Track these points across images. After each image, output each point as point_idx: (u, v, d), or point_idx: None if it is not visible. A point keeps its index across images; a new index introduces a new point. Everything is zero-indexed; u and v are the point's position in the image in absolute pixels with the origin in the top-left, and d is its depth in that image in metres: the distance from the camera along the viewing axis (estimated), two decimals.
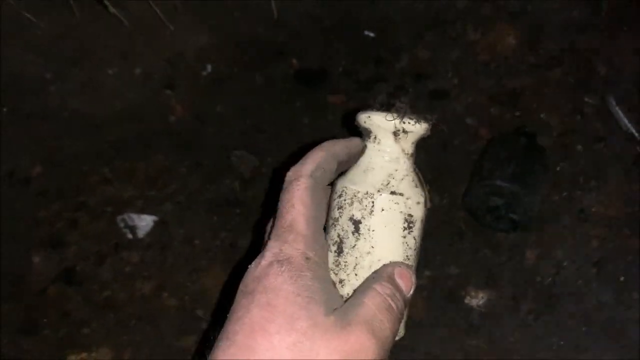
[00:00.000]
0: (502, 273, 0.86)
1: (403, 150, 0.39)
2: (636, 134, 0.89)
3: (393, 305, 0.35)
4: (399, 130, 0.38)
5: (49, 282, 0.90)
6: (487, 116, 0.98)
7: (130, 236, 0.93)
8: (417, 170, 0.40)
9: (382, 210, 0.37)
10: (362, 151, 0.40)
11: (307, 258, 0.33)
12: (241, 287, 0.33)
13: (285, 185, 0.36)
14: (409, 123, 0.38)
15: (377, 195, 0.37)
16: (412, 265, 0.39)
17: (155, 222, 0.94)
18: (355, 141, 0.39)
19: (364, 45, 1.06)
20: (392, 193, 0.37)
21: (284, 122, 1.01)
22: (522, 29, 1.02)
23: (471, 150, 0.95)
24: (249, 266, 0.35)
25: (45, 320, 0.87)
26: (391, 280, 0.36)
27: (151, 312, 0.87)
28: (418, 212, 0.39)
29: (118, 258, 0.91)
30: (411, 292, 0.38)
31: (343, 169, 0.39)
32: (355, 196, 0.38)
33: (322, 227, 0.36)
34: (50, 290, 0.89)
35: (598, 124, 0.94)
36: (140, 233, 0.93)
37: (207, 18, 1.06)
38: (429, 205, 0.40)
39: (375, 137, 0.39)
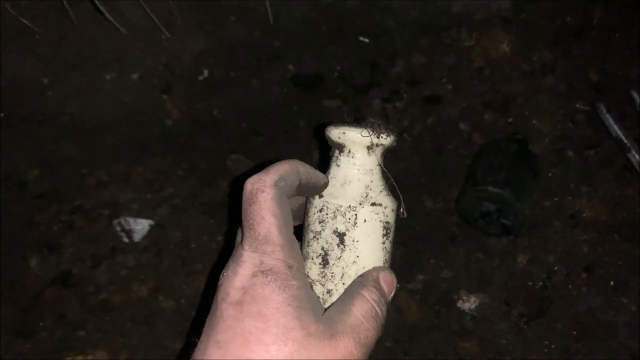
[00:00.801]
0: (494, 277, 0.87)
1: (375, 162, 0.41)
2: (626, 141, 0.90)
3: (379, 311, 0.36)
4: (373, 145, 0.40)
5: (45, 285, 0.90)
6: (480, 122, 0.99)
7: (126, 240, 0.94)
8: (390, 177, 0.42)
9: (365, 221, 0.39)
10: (323, 186, 0.41)
11: (290, 267, 0.34)
12: (222, 295, 0.34)
13: (248, 195, 0.35)
14: (383, 137, 0.40)
15: (360, 208, 0.39)
16: (386, 267, 0.41)
17: (152, 226, 0.94)
18: (321, 176, 0.40)
19: (359, 51, 1.07)
20: (373, 204, 0.40)
21: (280, 126, 1.02)
22: (516, 35, 1.03)
23: (464, 155, 0.96)
24: (225, 274, 0.35)
25: (41, 323, 0.87)
26: (377, 285, 0.38)
27: (147, 314, 0.88)
28: (393, 219, 0.41)
29: (114, 261, 0.92)
30: (392, 294, 0.39)
31: (301, 192, 0.39)
32: (337, 210, 0.39)
33: (293, 233, 0.37)
34: (47, 293, 0.90)
35: (589, 130, 0.95)
36: (137, 237, 0.94)
37: (203, 23, 1.07)
38: (405, 214, 0.42)
39: (349, 151, 0.41)
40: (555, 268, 0.87)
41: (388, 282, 0.38)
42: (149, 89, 1.05)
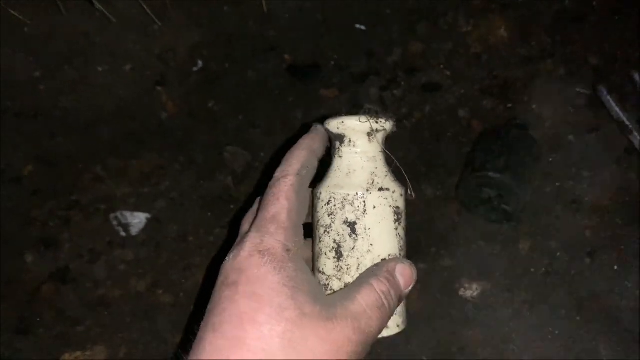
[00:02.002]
0: (496, 264, 0.86)
1: (377, 148, 0.41)
2: (628, 123, 0.89)
3: (385, 303, 0.35)
4: (372, 131, 0.40)
5: (42, 281, 0.89)
6: (479, 108, 0.98)
7: (123, 234, 0.93)
8: (394, 160, 0.41)
9: (374, 207, 0.38)
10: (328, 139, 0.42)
11: (288, 250, 0.34)
12: (221, 278, 0.34)
13: (272, 182, 0.37)
14: (381, 122, 0.40)
15: (367, 195, 0.38)
16: (406, 259, 0.40)
17: (149, 220, 0.93)
18: (322, 130, 0.41)
19: (355, 39, 1.05)
20: (380, 189, 0.39)
21: (277, 117, 1.01)
22: (514, 20, 1.02)
23: (464, 142, 0.95)
24: (226, 258, 0.35)
25: (39, 319, 0.87)
26: (390, 276, 0.37)
27: (146, 309, 0.87)
28: (402, 204, 0.40)
29: (112, 256, 0.91)
30: (410, 288, 0.38)
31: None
32: (345, 199, 0.39)
33: (302, 224, 0.37)
34: (44, 289, 0.89)
35: (590, 114, 0.94)
36: (134, 231, 0.93)
37: (196, 14, 1.06)
38: (413, 195, 0.41)
39: (350, 140, 0.40)
40: (558, 254, 0.86)
41: (406, 275, 0.37)
42: (143, 81, 1.04)
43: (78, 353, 0.83)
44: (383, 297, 0.35)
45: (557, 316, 0.82)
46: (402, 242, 0.40)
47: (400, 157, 1.02)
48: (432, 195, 0.92)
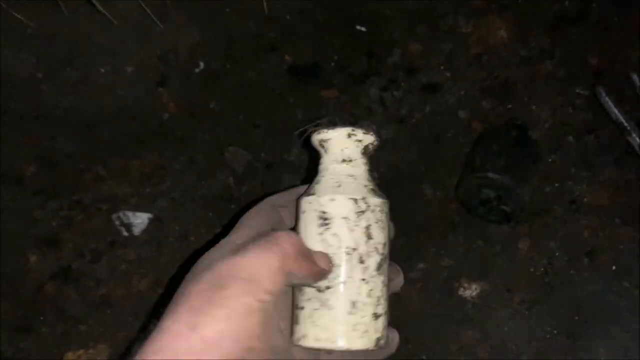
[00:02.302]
0: (495, 264, 0.87)
1: (331, 158, 0.40)
2: (626, 125, 0.90)
3: (285, 242, 0.35)
4: (322, 141, 0.40)
5: (45, 280, 0.90)
6: (479, 109, 0.98)
7: (125, 234, 0.93)
8: (371, 177, 0.41)
9: (303, 212, 0.39)
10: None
11: (226, 242, 0.38)
12: None
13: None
14: (323, 132, 0.40)
15: (299, 200, 0.40)
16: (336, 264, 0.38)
17: (150, 220, 0.94)
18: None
19: (356, 40, 1.06)
20: (307, 194, 0.40)
21: (278, 117, 1.02)
22: (514, 21, 1.02)
23: (463, 143, 0.95)
24: None
25: (42, 318, 0.87)
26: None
27: (148, 308, 0.88)
28: (334, 210, 0.38)
29: (114, 255, 0.92)
30: (328, 272, 0.36)
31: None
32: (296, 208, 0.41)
33: (255, 230, 0.38)
34: (47, 289, 0.89)
35: (589, 115, 0.94)
36: (136, 230, 0.93)
37: (197, 14, 1.06)
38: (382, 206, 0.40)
39: (318, 155, 0.42)
40: (557, 254, 0.86)
41: (322, 258, 0.36)
42: (144, 82, 1.04)
43: (81, 352, 0.84)
44: (283, 236, 0.35)
45: (556, 316, 0.83)
46: (331, 249, 0.37)
47: (400, 157, 1.02)
48: (432, 196, 0.93)
